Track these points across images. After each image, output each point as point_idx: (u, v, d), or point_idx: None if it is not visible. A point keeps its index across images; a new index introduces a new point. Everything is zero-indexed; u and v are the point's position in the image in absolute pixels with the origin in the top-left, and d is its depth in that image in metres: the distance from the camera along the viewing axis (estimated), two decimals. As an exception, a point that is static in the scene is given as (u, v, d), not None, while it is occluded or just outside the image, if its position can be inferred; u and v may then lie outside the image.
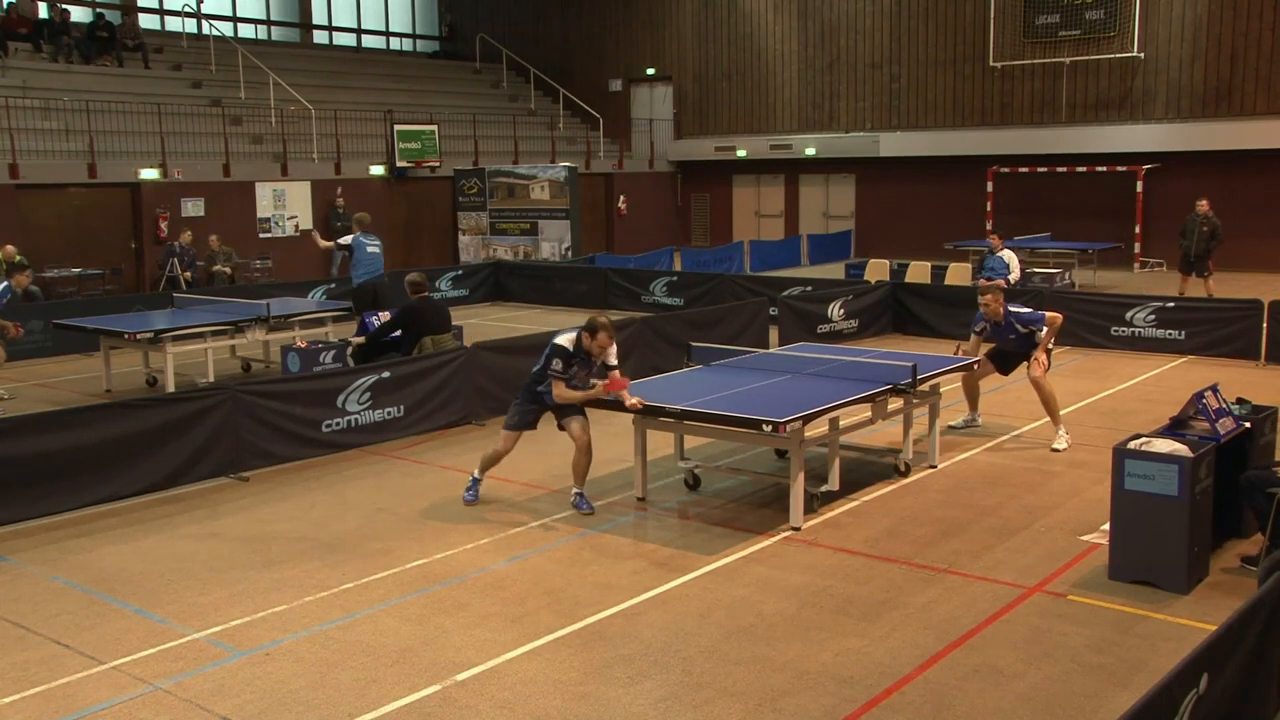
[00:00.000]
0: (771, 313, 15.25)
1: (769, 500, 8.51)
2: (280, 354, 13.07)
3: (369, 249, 14.52)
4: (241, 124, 24.54)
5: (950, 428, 10.42)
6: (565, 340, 8.08)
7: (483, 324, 17.84)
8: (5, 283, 13.25)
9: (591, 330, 7.99)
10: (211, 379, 12.79)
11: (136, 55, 25.46)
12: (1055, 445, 9.88)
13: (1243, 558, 6.98)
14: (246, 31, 31.20)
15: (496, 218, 26.25)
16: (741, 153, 31.31)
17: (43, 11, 25.32)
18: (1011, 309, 9.96)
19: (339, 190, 24.16)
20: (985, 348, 10.34)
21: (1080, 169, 25.92)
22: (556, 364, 8.02)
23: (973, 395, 10.64)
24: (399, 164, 25.88)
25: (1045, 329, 9.88)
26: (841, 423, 8.36)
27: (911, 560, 7.20)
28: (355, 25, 34.41)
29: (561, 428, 8.37)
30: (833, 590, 6.71)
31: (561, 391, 8.09)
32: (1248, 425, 7.29)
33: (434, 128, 26.73)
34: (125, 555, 7.55)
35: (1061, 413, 10.11)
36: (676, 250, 26.72)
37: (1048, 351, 9.97)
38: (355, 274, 14.58)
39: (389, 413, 10.54)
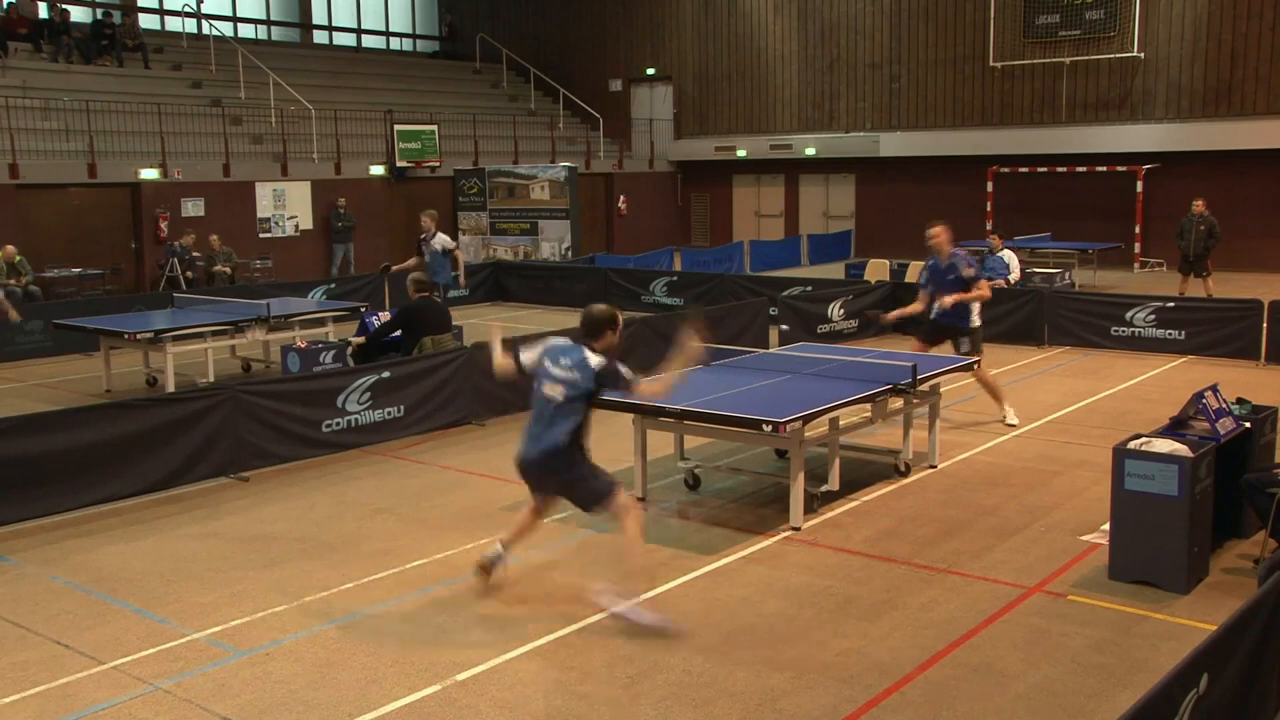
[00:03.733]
0: (771, 313, 15.25)
1: (769, 500, 8.51)
2: (280, 354, 13.07)
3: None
4: (241, 124, 24.55)
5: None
6: (604, 359, 6.31)
7: (483, 324, 17.82)
8: None
9: (614, 322, 6.44)
10: (211, 379, 12.79)
11: (136, 55, 25.47)
12: (1010, 420, 10.52)
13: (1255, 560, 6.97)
14: (246, 31, 31.21)
15: (496, 218, 26.26)
16: (741, 153, 31.31)
17: (43, 11, 25.33)
18: (955, 249, 10.50)
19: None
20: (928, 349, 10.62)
21: (1080, 169, 25.92)
22: (624, 371, 6.31)
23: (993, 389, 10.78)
24: (399, 164, 25.88)
25: (976, 290, 10.31)
26: (841, 423, 8.36)
27: (911, 560, 7.20)
28: (355, 25, 34.41)
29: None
30: (833, 590, 6.71)
31: (655, 387, 6.47)
32: (1248, 425, 7.29)
33: (434, 128, 26.73)
34: (125, 555, 7.55)
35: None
36: (676, 250, 26.72)
37: (979, 352, 10.40)
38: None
39: (389, 413, 10.54)
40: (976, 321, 10.49)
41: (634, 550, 6.31)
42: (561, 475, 6.33)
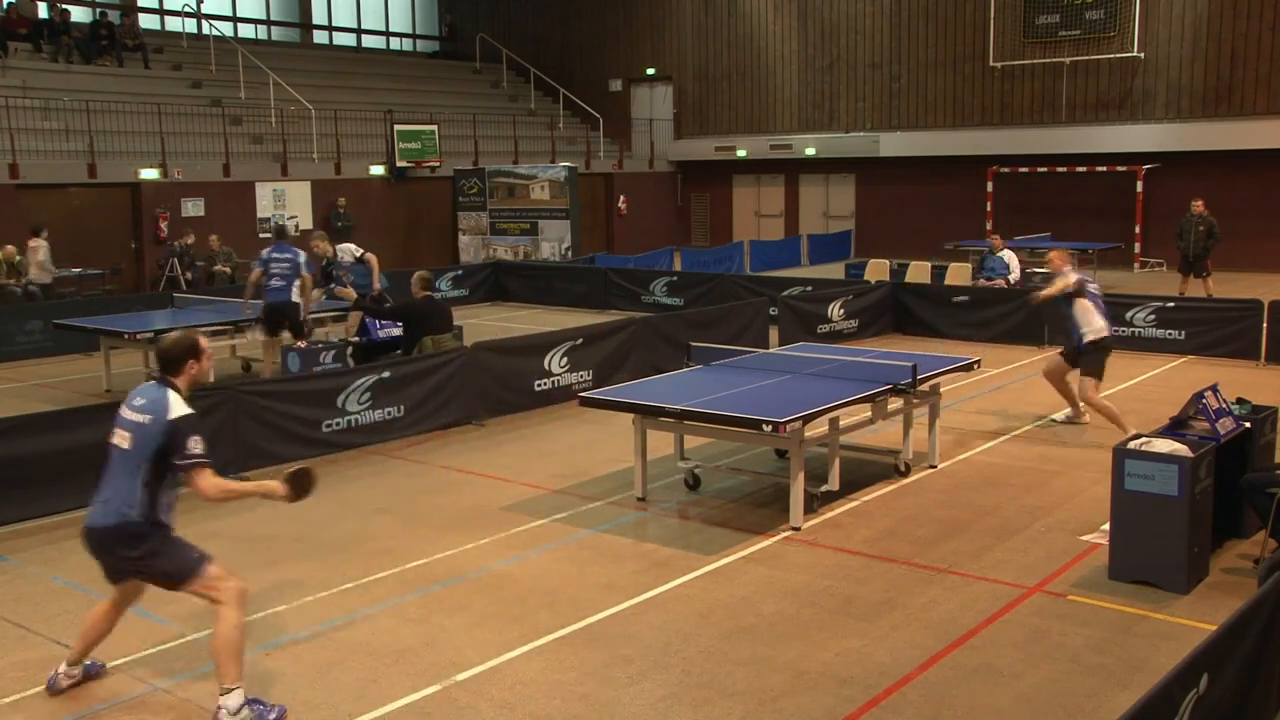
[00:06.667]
0: (771, 313, 15.25)
1: (769, 500, 8.51)
2: (280, 354, 13.06)
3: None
4: (241, 124, 24.55)
5: (1051, 420, 10.82)
6: (183, 407, 5.17)
7: (482, 324, 17.82)
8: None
9: (195, 351, 5.34)
10: (211, 379, 12.75)
11: (136, 55, 25.48)
12: (1082, 419, 10.65)
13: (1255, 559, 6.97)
14: (246, 31, 31.21)
15: (496, 218, 26.26)
16: (741, 153, 31.31)
17: (43, 11, 25.34)
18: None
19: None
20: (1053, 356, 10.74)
21: (1080, 169, 25.91)
22: (197, 444, 5.09)
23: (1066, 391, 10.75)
24: (399, 164, 25.89)
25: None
26: (841, 423, 8.36)
27: (911, 560, 7.20)
28: (355, 25, 34.42)
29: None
30: (833, 590, 6.71)
31: (225, 485, 5.23)
32: (1248, 425, 7.30)
33: (434, 128, 26.73)
34: (125, 555, 7.54)
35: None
36: (676, 250, 26.72)
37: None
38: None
39: (389, 413, 10.54)
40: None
41: (232, 644, 5.06)
42: (129, 551, 5.12)
